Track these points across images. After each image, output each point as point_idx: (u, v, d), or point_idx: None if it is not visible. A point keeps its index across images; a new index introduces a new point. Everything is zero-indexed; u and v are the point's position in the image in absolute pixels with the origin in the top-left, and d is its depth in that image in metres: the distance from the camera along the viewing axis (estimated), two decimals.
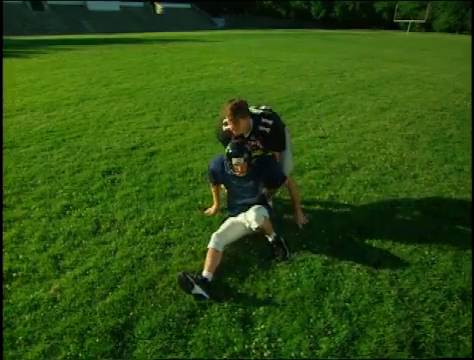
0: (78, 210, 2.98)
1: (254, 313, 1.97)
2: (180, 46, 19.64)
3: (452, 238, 2.63)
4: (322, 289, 2.14)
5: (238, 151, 2.35)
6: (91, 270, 2.27)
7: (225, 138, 2.62)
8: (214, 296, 2.07)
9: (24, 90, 7.58)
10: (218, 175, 2.61)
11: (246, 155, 2.34)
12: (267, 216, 2.43)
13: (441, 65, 12.91)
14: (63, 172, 3.68)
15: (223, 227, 2.45)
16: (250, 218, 2.36)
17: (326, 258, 2.41)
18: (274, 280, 2.22)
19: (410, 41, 29.34)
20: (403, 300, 2.05)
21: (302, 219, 2.77)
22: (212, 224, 2.75)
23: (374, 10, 72.43)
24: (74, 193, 3.25)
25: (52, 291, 2.09)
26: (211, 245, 2.26)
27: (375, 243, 2.58)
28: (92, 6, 44.07)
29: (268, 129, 2.47)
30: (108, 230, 2.72)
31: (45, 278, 2.21)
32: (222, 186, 2.80)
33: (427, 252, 2.46)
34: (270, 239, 2.45)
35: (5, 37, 22.92)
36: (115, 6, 46.18)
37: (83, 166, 3.82)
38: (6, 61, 11.67)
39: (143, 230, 2.71)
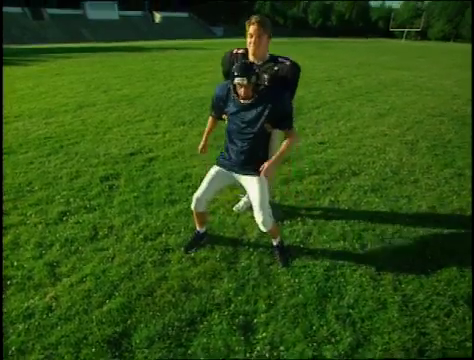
0: (75, 216, 2.93)
1: (255, 321, 1.92)
2: (179, 54, 19.78)
3: (455, 243, 2.59)
4: (324, 295, 2.10)
5: (243, 70, 1.97)
6: (88, 277, 2.22)
7: (232, 64, 2.25)
8: (213, 303, 2.02)
9: (23, 97, 7.57)
10: (222, 101, 2.23)
11: (253, 78, 1.97)
12: (274, 219, 2.28)
13: (438, 72, 13.03)
14: (60, 178, 3.63)
15: (204, 186, 2.29)
16: (258, 220, 2.19)
17: (328, 264, 2.37)
18: (275, 286, 2.17)
19: (406, 49, 29.69)
20: (407, 306, 2.01)
21: (269, 172, 2.11)
22: (212, 229, 2.71)
23: (370, 19, 73.78)
24: (71, 199, 3.20)
25: (47, 299, 2.04)
26: (193, 207, 2.36)
27: (377, 248, 2.54)
28: (91, 15, 44.60)
29: (288, 62, 2.25)
30: (106, 236, 2.67)
31: (40, 286, 2.15)
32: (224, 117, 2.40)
33: (430, 257, 2.43)
34: (274, 243, 2.43)
35: (5, 46, 23.06)
36: (114, 15, 46.74)
37: (81, 172, 3.78)
38: (6, 69, 11.69)
39: (141, 236, 2.66)
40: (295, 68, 2.25)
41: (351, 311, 1.98)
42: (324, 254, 2.47)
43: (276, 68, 2.22)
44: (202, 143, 2.65)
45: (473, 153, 4.37)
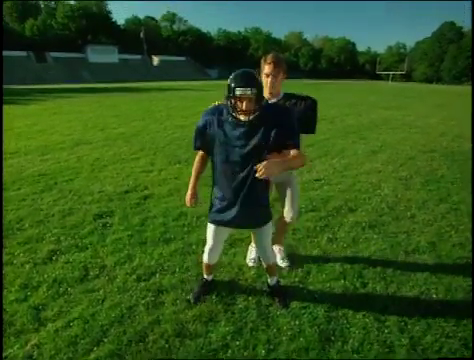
0: (66, 255, 2.82)
1: None
2: (175, 94, 20.48)
3: (459, 279, 2.51)
4: (327, 339, 1.98)
5: (247, 79, 1.66)
6: (75, 322, 2.08)
7: None
8: (210, 349, 1.89)
9: (19, 134, 7.64)
10: (211, 127, 1.83)
11: (255, 90, 1.63)
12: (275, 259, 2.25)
13: (424, 111, 13.59)
14: (53, 215, 3.55)
15: (211, 243, 2.11)
16: (262, 254, 2.17)
17: (329, 304, 2.26)
18: (275, 330, 2.05)
19: (393, 90, 31.17)
20: (416, 350, 1.89)
21: (268, 169, 1.55)
22: None
23: (357, 62, 78.52)
24: (63, 237, 3.10)
25: (29, 347, 1.88)
26: (206, 261, 2.23)
27: (379, 287, 2.45)
28: (92, 58, 46.79)
29: (304, 96, 2.22)
30: (97, 277, 2.55)
31: (22, 332, 2.00)
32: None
33: (435, 295, 2.34)
34: (271, 282, 2.34)
35: (7, 86, 23.72)
36: (114, 58, 49.06)
37: (74, 209, 3.71)
38: (5, 108, 11.91)
39: (134, 276, 2.55)
40: (312, 102, 2.23)
41: (356, 356, 1.86)
42: (324, 294, 2.37)
43: (294, 101, 2.19)
44: (190, 192, 2.11)
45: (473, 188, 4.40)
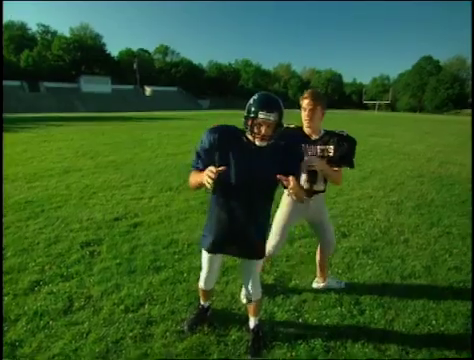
0: (49, 286, 2.67)
1: None
2: (167, 124, 20.73)
3: (458, 304, 2.46)
4: None
5: (272, 103, 1.59)
6: (55, 358, 1.93)
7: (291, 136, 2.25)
8: None
9: (8, 162, 7.51)
10: (219, 147, 1.68)
11: (277, 116, 1.57)
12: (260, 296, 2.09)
13: (410, 138, 14.01)
14: (38, 244, 3.41)
15: (206, 270, 2.02)
16: (248, 288, 2.02)
17: (326, 333, 2.17)
18: None
19: (379, 119, 32.23)
20: None
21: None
22: (198, 298, 2.50)
23: (344, 93, 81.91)
24: (47, 266, 2.96)
25: None
26: (203, 288, 2.15)
27: (377, 314, 2.38)
28: (86, 88, 47.60)
29: (345, 133, 2.27)
30: (82, 308, 2.41)
31: None
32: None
33: (434, 322, 2.27)
34: (252, 324, 2.15)
35: None
36: (107, 89, 49.98)
37: (60, 237, 3.58)
38: None
39: (122, 307, 2.42)
40: (353, 140, 2.29)
41: None
42: (321, 322, 2.29)
43: (336, 139, 2.23)
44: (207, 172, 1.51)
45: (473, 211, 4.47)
